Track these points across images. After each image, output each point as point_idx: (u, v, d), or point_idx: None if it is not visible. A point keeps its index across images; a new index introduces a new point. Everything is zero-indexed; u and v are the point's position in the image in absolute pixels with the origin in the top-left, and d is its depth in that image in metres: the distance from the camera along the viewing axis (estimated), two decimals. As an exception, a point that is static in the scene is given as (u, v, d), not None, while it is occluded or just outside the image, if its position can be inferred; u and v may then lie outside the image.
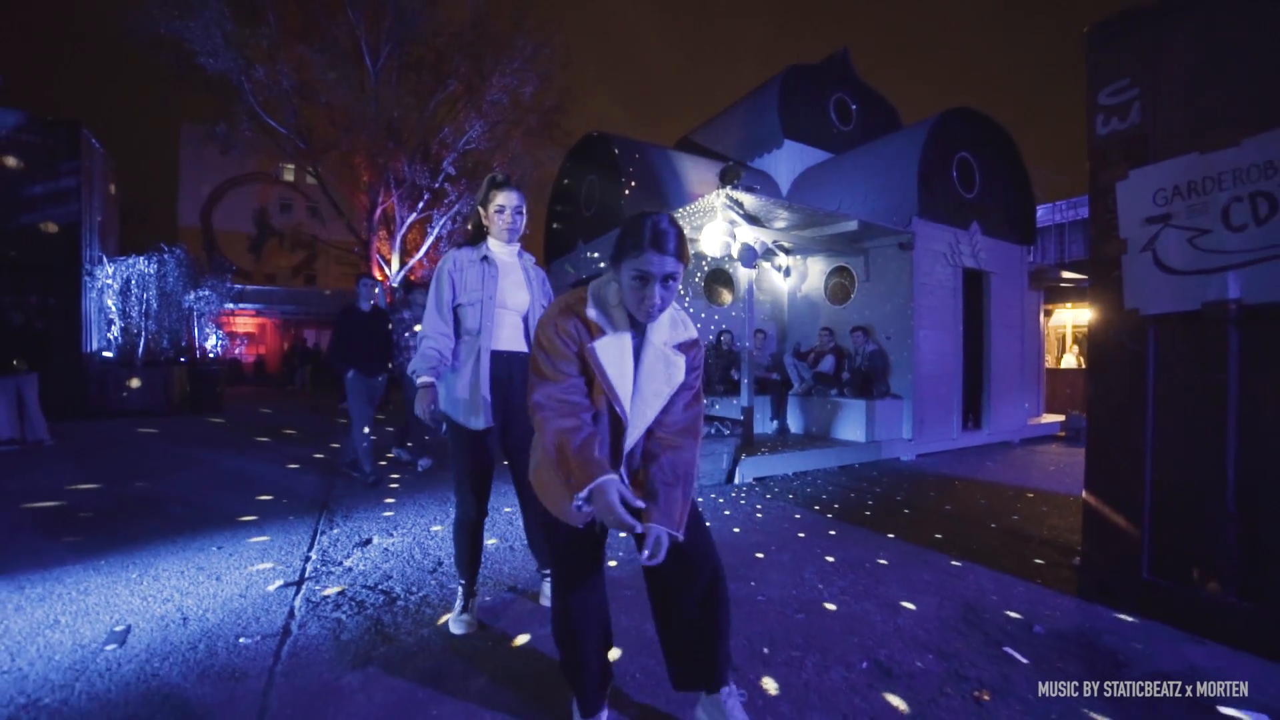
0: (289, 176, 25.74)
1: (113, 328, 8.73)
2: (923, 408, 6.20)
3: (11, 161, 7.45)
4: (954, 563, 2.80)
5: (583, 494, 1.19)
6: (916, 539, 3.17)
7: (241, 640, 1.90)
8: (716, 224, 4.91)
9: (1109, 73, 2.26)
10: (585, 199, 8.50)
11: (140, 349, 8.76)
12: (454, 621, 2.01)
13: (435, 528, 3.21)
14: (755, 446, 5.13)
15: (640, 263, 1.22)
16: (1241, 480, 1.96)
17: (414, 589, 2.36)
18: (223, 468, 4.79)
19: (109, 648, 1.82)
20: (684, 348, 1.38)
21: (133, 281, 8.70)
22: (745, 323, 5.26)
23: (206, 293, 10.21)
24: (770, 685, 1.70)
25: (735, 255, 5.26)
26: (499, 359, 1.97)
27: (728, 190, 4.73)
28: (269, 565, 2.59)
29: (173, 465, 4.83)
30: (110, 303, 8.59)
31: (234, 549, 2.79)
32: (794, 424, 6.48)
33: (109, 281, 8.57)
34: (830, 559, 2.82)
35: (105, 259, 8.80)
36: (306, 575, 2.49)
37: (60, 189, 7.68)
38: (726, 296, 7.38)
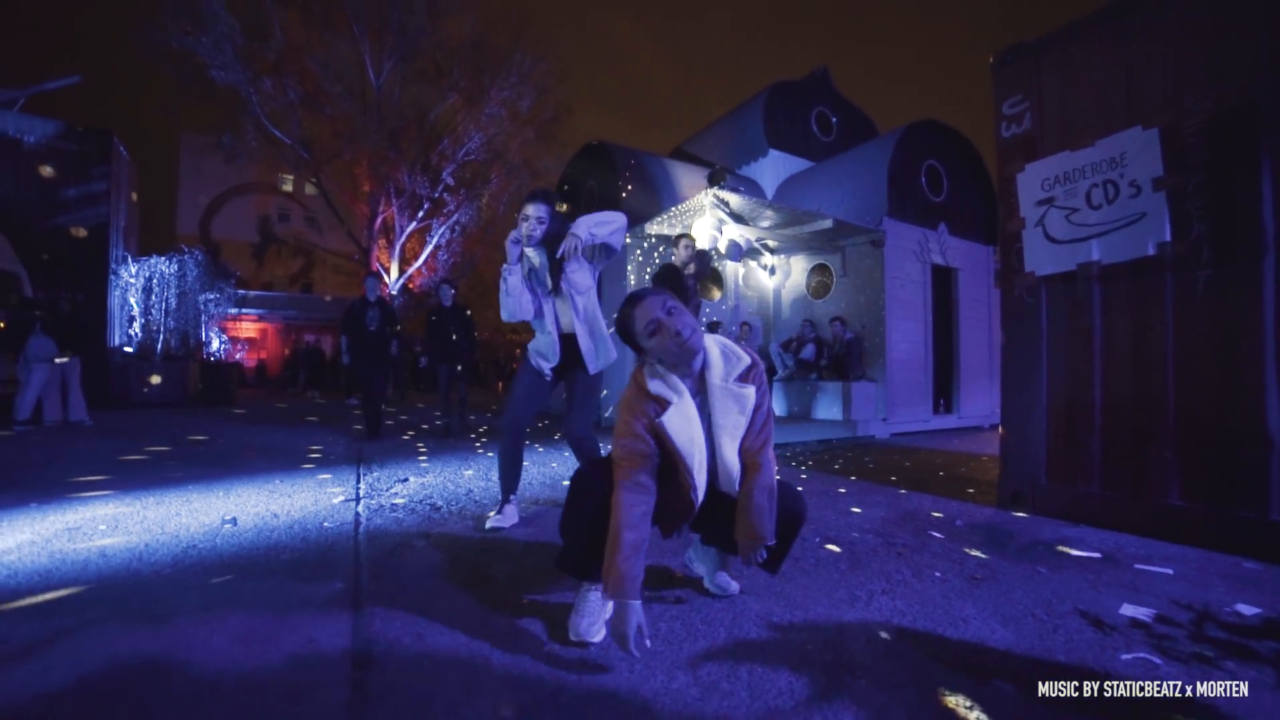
0: (288, 187, 26.33)
1: (134, 324, 9.19)
2: (896, 391, 6.77)
3: (50, 167, 7.96)
4: (902, 491, 3.35)
5: (609, 594, 1.27)
6: (875, 480, 3.72)
7: (325, 524, 2.41)
8: (705, 220, 5.50)
9: (1008, 89, 2.87)
10: (585, 203, 9.09)
11: (159, 345, 9.21)
12: (490, 520, 2.50)
13: (466, 472, 3.72)
14: (741, 421, 5.66)
15: (642, 319, 1.38)
16: (1105, 400, 2.52)
17: (453, 503, 2.87)
18: (262, 437, 5.27)
19: (226, 527, 2.33)
20: (745, 376, 1.44)
21: (154, 281, 9.17)
22: (733, 313, 5.84)
23: (215, 295, 10.67)
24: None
25: (723, 250, 5.85)
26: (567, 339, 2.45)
27: (715, 190, 5.32)
28: (330, 489, 3.10)
29: (220, 435, 5.30)
30: (133, 300, 9.05)
31: (296, 481, 3.29)
32: (778, 408, 7.03)
33: (132, 280, 9.05)
34: (799, 490, 3.36)
35: (130, 259, 9.28)
36: (362, 495, 2.99)
37: (92, 192, 8.20)
38: (716, 292, 7.96)
